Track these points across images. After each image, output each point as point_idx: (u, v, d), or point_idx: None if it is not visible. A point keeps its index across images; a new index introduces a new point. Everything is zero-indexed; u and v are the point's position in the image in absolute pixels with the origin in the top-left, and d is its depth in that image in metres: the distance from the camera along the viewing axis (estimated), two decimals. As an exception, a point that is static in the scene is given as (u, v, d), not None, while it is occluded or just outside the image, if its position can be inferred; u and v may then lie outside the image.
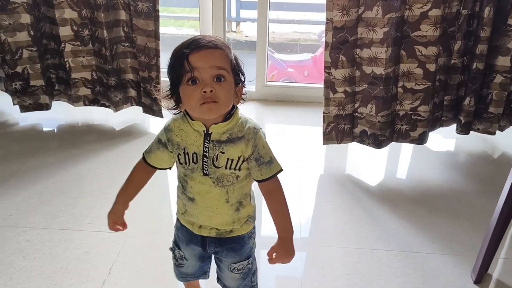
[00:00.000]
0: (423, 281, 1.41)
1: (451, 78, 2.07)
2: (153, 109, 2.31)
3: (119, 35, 2.22)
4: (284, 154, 2.11)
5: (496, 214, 1.30)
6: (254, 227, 1.05)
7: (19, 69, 2.24)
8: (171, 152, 0.96)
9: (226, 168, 0.92)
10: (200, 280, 1.23)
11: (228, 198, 0.95)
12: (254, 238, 1.06)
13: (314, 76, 3.49)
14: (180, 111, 0.94)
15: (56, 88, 2.40)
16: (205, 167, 0.92)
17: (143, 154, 1.01)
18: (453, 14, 1.89)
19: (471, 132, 2.18)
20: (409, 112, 2.01)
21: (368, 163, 2.14)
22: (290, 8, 4.82)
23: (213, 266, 1.13)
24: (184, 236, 1.04)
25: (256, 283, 1.11)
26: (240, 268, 1.03)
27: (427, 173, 2.05)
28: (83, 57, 2.28)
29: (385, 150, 2.13)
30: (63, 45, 2.23)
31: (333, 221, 1.70)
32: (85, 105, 2.39)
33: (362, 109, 2.01)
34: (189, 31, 5.32)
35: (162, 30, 2.15)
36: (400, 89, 1.98)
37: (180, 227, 1.05)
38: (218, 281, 1.12)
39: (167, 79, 0.91)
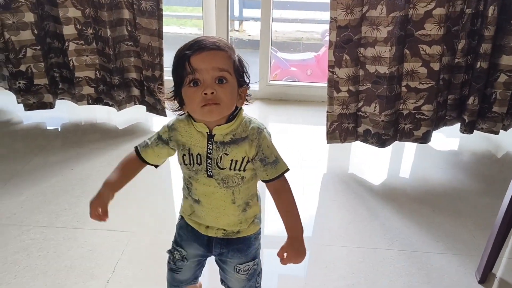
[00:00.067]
0: (428, 281, 1.41)
1: (455, 77, 2.06)
2: (156, 108, 2.31)
3: (122, 34, 2.22)
4: (287, 153, 2.08)
5: (501, 213, 1.30)
6: (260, 228, 1.05)
7: (23, 67, 2.24)
8: (172, 148, 0.96)
9: (230, 169, 0.91)
10: (202, 281, 1.22)
11: (234, 199, 0.94)
12: (260, 239, 1.06)
13: (317, 75, 3.49)
14: (184, 113, 0.93)
15: (60, 87, 2.41)
16: (209, 169, 0.91)
17: (137, 148, 0.99)
18: (457, 13, 1.89)
19: (474, 131, 2.17)
20: (413, 111, 2.01)
21: (371, 162, 2.14)
22: (293, 7, 4.82)
23: (215, 268, 1.10)
24: (189, 236, 1.03)
25: (260, 284, 1.11)
26: (246, 269, 1.02)
27: (430, 172, 2.05)
28: (87, 56, 2.28)
29: (388, 149, 2.12)
30: (66, 44, 2.23)
31: (337, 220, 1.70)
32: (88, 104, 2.40)
33: (366, 108, 2.00)
34: (192, 30, 5.31)
35: (165, 29, 2.15)
36: (404, 88, 1.98)
37: (185, 226, 1.03)
38: (222, 283, 1.11)
39: (171, 78, 0.91)
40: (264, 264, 1.19)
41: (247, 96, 0.93)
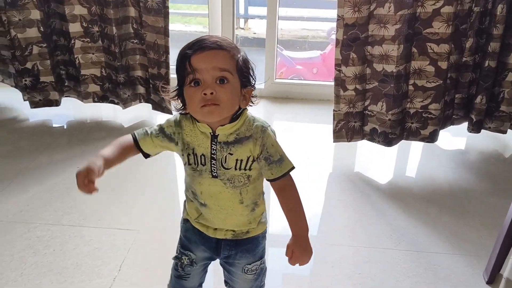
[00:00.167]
0: (435, 281, 1.40)
1: (462, 76, 2.05)
2: (162, 106, 2.31)
3: (128, 31, 2.22)
4: (293, 152, 2.07)
5: (510, 213, 1.29)
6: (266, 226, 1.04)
7: (29, 65, 2.24)
8: (172, 143, 0.93)
9: (236, 169, 0.90)
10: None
11: (242, 199, 0.93)
12: (266, 237, 1.05)
13: (323, 74, 3.48)
14: (188, 112, 0.91)
15: (66, 84, 2.41)
16: (214, 169, 0.90)
17: (135, 134, 0.95)
18: (465, 11, 1.87)
19: (482, 130, 2.16)
20: (420, 110, 1.99)
21: (377, 161, 2.13)
22: (299, 4, 4.80)
23: (218, 271, 1.09)
24: (197, 238, 1.00)
25: (264, 282, 1.10)
26: (254, 269, 1.01)
27: (437, 172, 2.04)
28: (93, 53, 2.28)
29: (395, 148, 2.11)
30: (72, 42, 2.23)
31: (344, 219, 1.69)
32: (94, 101, 2.40)
33: (373, 107, 1.99)
34: (197, 28, 5.31)
35: (170, 26, 2.14)
36: (411, 87, 1.97)
37: (192, 228, 1.01)
38: (226, 285, 1.09)
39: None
40: (270, 264, 1.19)
41: (252, 97, 0.91)
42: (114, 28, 2.14)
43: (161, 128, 0.94)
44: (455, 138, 2.34)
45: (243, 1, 5.04)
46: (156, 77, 2.23)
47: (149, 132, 0.95)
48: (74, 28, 2.21)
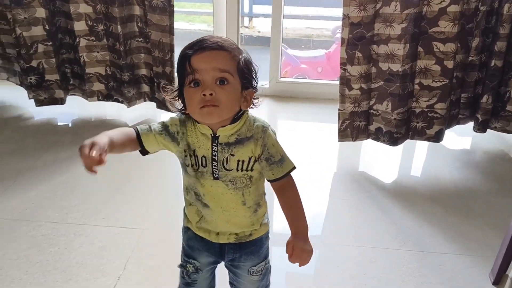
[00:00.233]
0: (441, 282, 1.39)
1: (468, 75, 2.03)
2: (166, 105, 2.30)
3: (133, 30, 2.22)
4: (297, 151, 2.10)
5: (517, 214, 1.28)
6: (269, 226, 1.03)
7: (34, 63, 2.25)
8: (174, 142, 0.90)
9: (237, 170, 0.89)
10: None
11: (244, 201, 0.92)
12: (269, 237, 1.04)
13: (328, 73, 3.47)
14: (188, 113, 0.89)
15: (71, 82, 2.41)
16: (215, 171, 0.88)
17: (137, 129, 0.91)
18: (472, 10, 1.86)
19: (487, 130, 2.14)
20: (426, 110, 1.98)
21: (382, 160, 2.12)
22: (304, 3, 4.79)
23: (222, 271, 1.08)
24: (200, 245, 0.98)
25: (269, 282, 1.09)
26: (260, 270, 1.00)
27: (442, 171, 2.03)
28: (98, 52, 2.28)
29: (400, 147, 2.10)
30: (77, 40, 2.23)
31: (348, 219, 1.69)
32: (98, 100, 2.40)
33: (378, 106, 1.98)
34: (201, 26, 5.31)
35: (174, 25, 2.14)
36: (416, 86, 1.96)
37: (194, 236, 0.98)
38: (231, 286, 1.07)
39: None
40: (275, 264, 1.18)
41: (254, 99, 0.88)
42: (119, 26, 2.14)
43: (165, 126, 0.91)
44: (460, 137, 2.33)
45: (248, -1, 5.05)
46: (161, 76, 2.23)
47: (152, 128, 0.91)
48: (79, 26, 2.21)
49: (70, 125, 2.41)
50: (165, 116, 2.34)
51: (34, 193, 1.76)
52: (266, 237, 1.01)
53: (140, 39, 2.24)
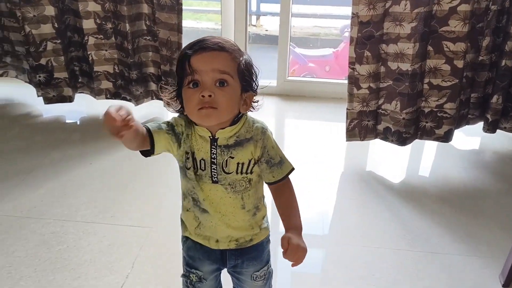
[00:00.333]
0: (450, 283, 1.38)
1: (478, 75, 2.02)
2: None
3: (141, 28, 2.22)
4: (304, 150, 2.09)
5: (528, 216, 1.26)
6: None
7: (43, 61, 2.25)
8: (177, 143, 0.87)
9: (237, 173, 0.87)
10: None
11: (244, 205, 0.90)
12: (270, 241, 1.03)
13: (336, 72, 3.46)
14: (186, 115, 0.87)
15: (79, 80, 2.42)
16: (214, 174, 0.86)
17: (149, 127, 0.85)
18: (482, 9, 1.85)
19: (497, 130, 2.13)
20: (435, 109, 1.97)
21: (390, 160, 2.11)
22: (312, 1, 4.78)
23: (224, 279, 1.07)
24: (200, 255, 0.96)
25: (272, 285, 1.08)
26: (262, 275, 0.99)
27: (451, 172, 2.01)
28: (106, 50, 2.29)
29: (408, 147, 2.09)
30: (86, 38, 2.23)
31: (356, 219, 1.68)
32: (106, 98, 2.40)
33: (387, 106, 1.97)
34: (208, 25, 5.31)
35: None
36: (426, 86, 1.94)
37: (193, 246, 0.96)
38: None
39: None
40: (282, 265, 1.17)
41: (254, 102, 0.87)
42: (127, 24, 2.14)
43: (171, 125, 0.87)
44: (469, 137, 2.31)
45: (256, -3, 5.04)
46: (169, 74, 2.23)
47: (161, 130, 0.86)
48: (88, 24, 2.21)
49: (78, 123, 2.42)
50: (172, 114, 2.36)
51: (43, 190, 1.77)
52: (267, 241, 0.99)
53: (148, 37, 2.24)
